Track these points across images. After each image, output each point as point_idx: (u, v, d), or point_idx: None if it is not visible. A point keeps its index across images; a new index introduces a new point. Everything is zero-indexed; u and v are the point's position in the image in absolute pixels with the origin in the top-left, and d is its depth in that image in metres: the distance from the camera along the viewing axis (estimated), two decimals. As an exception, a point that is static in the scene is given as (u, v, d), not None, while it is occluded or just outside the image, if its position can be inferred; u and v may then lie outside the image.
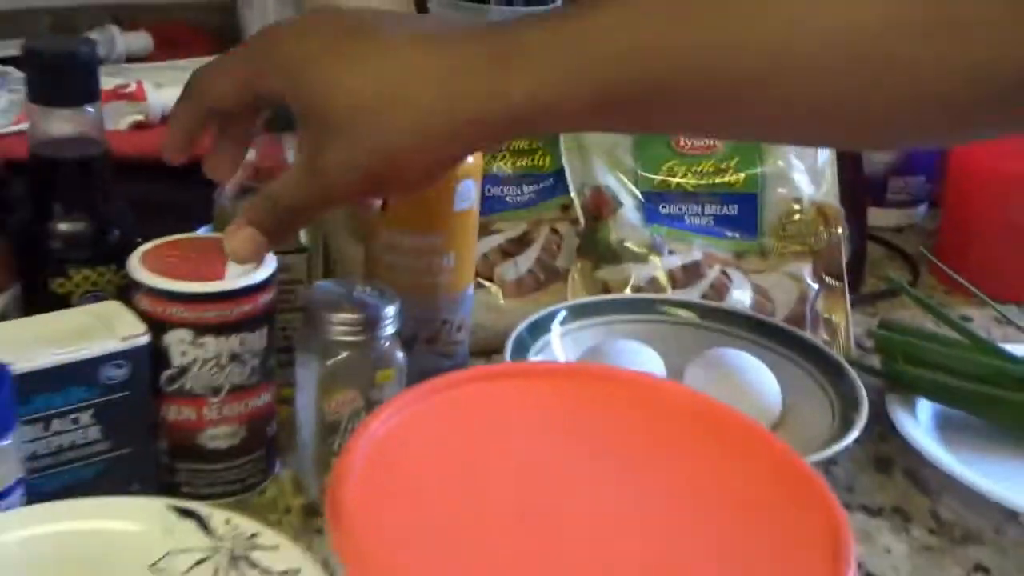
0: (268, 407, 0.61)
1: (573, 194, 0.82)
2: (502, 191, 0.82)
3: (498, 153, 0.82)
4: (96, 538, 0.50)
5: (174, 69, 0.89)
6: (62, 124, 0.59)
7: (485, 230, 0.80)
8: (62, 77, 0.58)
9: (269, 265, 0.58)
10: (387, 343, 0.60)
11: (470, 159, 0.65)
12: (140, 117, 0.81)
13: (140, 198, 0.68)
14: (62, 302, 0.60)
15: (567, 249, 0.81)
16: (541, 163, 0.84)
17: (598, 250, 0.80)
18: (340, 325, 0.58)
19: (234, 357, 0.58)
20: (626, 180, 0.82)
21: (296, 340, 0.61)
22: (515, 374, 0.50)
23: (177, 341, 0.56)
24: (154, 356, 0.57)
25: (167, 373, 0.57)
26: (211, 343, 0.57)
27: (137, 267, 0.57)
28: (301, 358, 0.60)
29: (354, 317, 0.58)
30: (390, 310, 0.59)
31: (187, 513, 0.51)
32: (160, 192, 0.73)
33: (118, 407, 0.56)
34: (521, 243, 0.81)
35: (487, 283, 0.79)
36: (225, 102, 0.54)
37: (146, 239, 0.64)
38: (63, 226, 0.60)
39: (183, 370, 0.57)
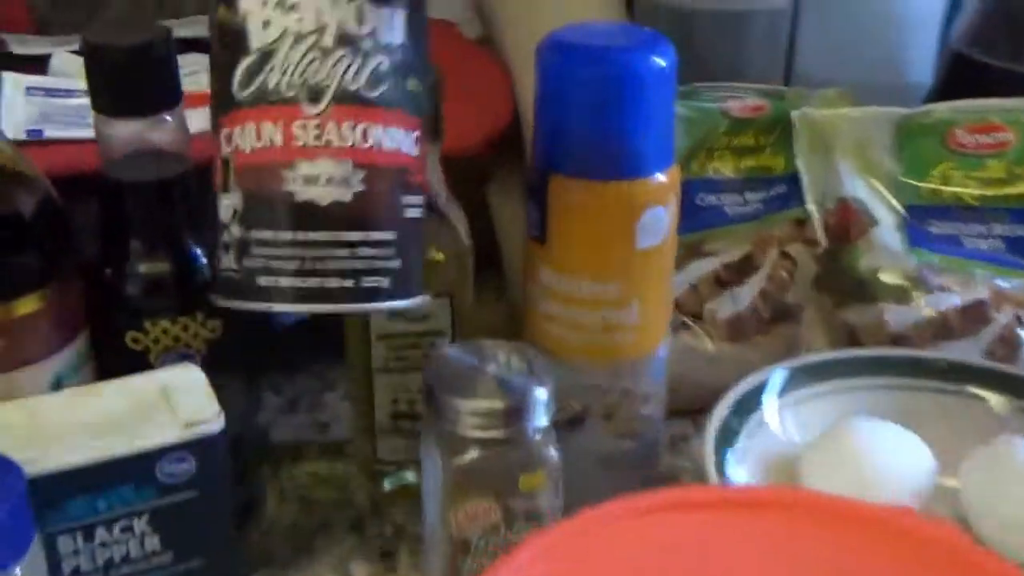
0: (404, 161, 0.40)
1: (811, 206, 0.63)
2: (719, 200, 0.64)
3: (716, 151, 0.64)
4: None
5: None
6: (133, 138, 0.46)
7: (695, 252, 0.63)
8: (130, 79, 0.45)
9: None
10: (536, 437, 0.44)
11: (661, 176, 0.48)
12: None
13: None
14: (138, 360, 0.47)
15: (801, 279, 0.63)
16: (770, 164, 0.65)
17: (843, 282, 0.61)
18: (471, 416, 0.43)
19: (347, 40, 0.38)
20: (883, 189, 0.62)
21: (422, 421, 0.46)
22: (706, 504, 0.40)
23: (256, 3, 0.38)
24: (229, 43, 0.39)
25: (244, 64, 0.38)
26: (308, 5, 0.37)
27: None
28: (425, 445, 0.45)
29: (490, 406, 0.43)
30: (541, 394, 0.43)
31: None
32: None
33: (183, 511, 0.43)
34: (741, 270, 0.63)
35: (693, 323, 0.62)
36: None
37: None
38: (137, 268, 0.47)
39: (265, 56, 0.38)
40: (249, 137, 0.38)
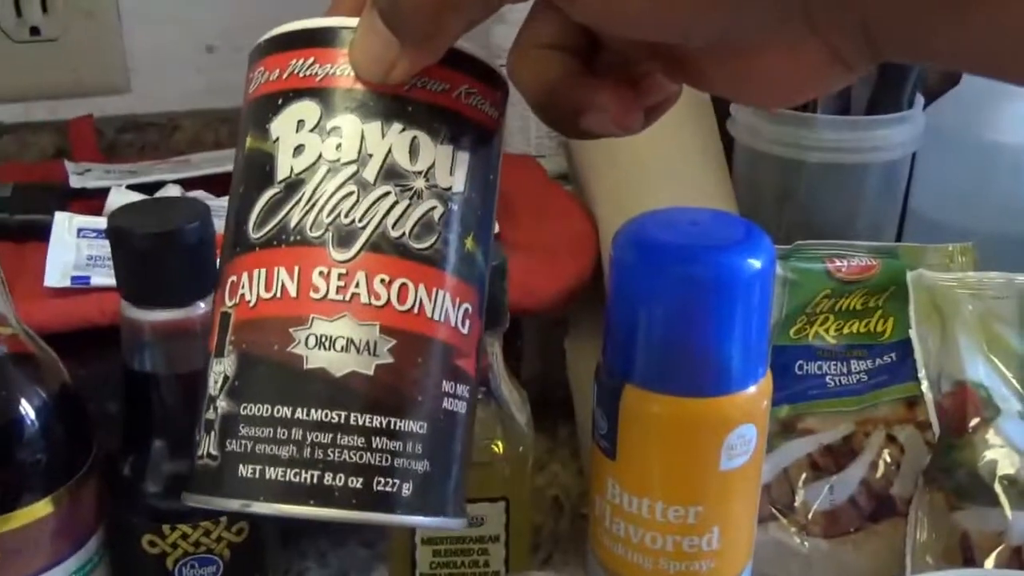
0: (453, 338, 0.31)
1: (924, 385, 0.55)
2: (820, 369, 0.57)
3: (819, 315, 0.58)
4: None
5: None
6: (161, 326, 0.41)
7: (790, 429, 0.56)
8: (158, 268, 0.40)
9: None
10: None
11: (752, 389, 0.41)
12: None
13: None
14: (155, 565, 0.42)
15: (910, 469, 0.55)
16: (879, 329, 0.58)
17: (957, 479, 0.53)
18: None
19: (394, 175, 0.30)
20: (1009, 373, 0.55)
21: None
22: None
23: (291, 125, 0.30)
24: (251, 175, 0.31)
25: (266, 196, 0.30)
26: (351, 129, 0.30)
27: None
28: None
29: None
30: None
31: None
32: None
33: None
34: (841, 453, 0.56)
35: (782, 514, 0.55)
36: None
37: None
38: (158, 466, 0.42)
39: (292, 187, 0.30)
40: (257, 286, 0.30)
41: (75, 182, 0.64)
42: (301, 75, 0.30)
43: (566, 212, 0.64)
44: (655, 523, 0.42)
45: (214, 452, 0.30)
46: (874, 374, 0.57)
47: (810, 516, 0.55)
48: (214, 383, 0.31)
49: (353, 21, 0.30)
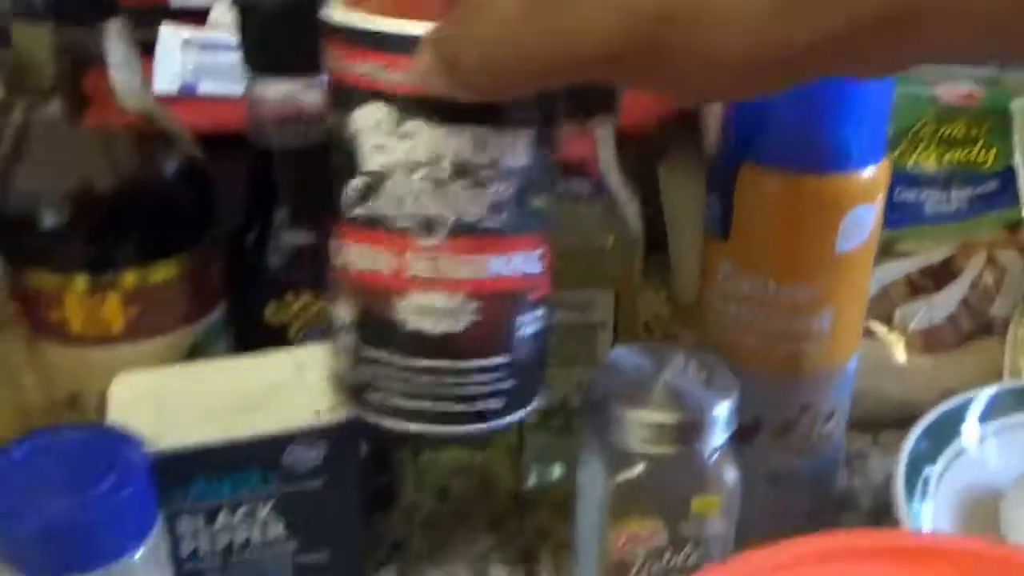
0: (523, 284, 0.35)
1: (1026, 209, 0.55)
2: (919, 196, 0.57)
3: (920, 141, 0.57)
4: None
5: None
6: (284, 100, 0.42)
7: (887, 251, 0.55)
8: (283, 35, 0.41)
9: None
10: (713, 457, 0.38)
11: (870, 171, 0.41)
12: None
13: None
14: (276, 335, 0.44)
15: (1010, 290, 0.55)
16: (981, 158, 0.58)
17: (1059, 298, 0.53)
18: (640, 428, 0.37)
19: (466, 171, 0.33)
20: (1113, 196, 0.54)
21: (580, 433, 0.41)
22: (892, 552, 0.34)
23: (370, 123, 0.33)
24: (340, 157, 0.34)
25: (352, 184, 0.34)
26: (423, 135, 0.32)
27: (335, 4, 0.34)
28: (584, 458, 0.40)
29: (663, 419, 0.37)
30: (722, 409, 0.38)
31: None
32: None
33: (309, 499, 0.39)
34: (940, 275, 0.56)
35: (881, 329, 0.55)
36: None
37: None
38: (281, 238, 0.43)
39: (377, 180, 0.33)
40: (360, 257, 0.35)
41: (176, 2, 0.65)
42: (374, 77, 0.32)
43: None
44: (768, 304, 0.42)
45: (349, 373, 0.37)
46: (974, 201, 0.57)
47: (908, 333, 0.55)
48: (340, 319, 0.36)
49: (418, 29, 0.30)
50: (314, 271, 0.43)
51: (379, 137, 0.33)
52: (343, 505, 0.40)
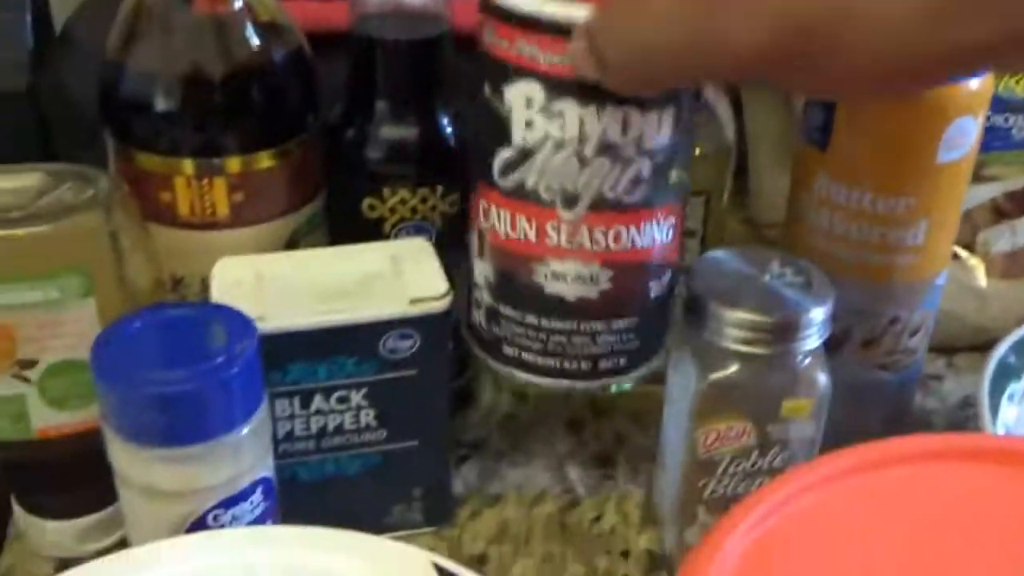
0: (655, 252, 0.37)
1: (1118, 138, 0.54)
2: (1006, 121, 0.56)
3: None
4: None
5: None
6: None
7: (973, 175, 0.54)
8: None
9: None
10: (806, 361, 0.39)
11: (975, 82, 0.41)
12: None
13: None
14: (372, 228, 0.44)
15: (1096, 218, 0.55)
16: (1071, 85, 0.57)
17: None
18: (737, 328, 0.38)
19: (609, 149, 0.35)
20: None
21: (673, 333, 0.41)
22: (976, 454, 0.35)
23: (521, 100, 0.35)
24: (492, 127, 0.36)
25: (503, 155, 0.36)
26: (572, 114, 0.34)
27: None
28: (677, 357, 0.41)
29: (760, 319, 0.37)
30: (819, 313, 0.38)
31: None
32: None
33: (401, 388, 0.40)
34: (1024, 201, 0.55)
35: (963, 253, 0.55)
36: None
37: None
38: (381, 132, 0.43)
39: (526, 153, 0.35)
40: (504, 222, 0.37)
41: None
42: (528, 56, 0.33)
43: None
44: (864, 214, 0.42)
45: (485, 327, 0.40)
46: (1063, 128, 0.56)
47: (990, 257, 0.55)
48: (479, 276, 0.39)
49: (576, 13, 0.31)
50: (412, 167, 0.44)
51: (530, 113, 0.34)
52: (433, 396, 0.41)
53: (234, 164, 0.41)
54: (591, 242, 0.36)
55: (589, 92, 0.33)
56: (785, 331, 0.37)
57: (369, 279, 0.40)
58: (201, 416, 0.33)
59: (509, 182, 0.36)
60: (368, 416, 0.41)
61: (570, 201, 0.35)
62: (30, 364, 0.38)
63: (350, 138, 0.44)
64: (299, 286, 0.40)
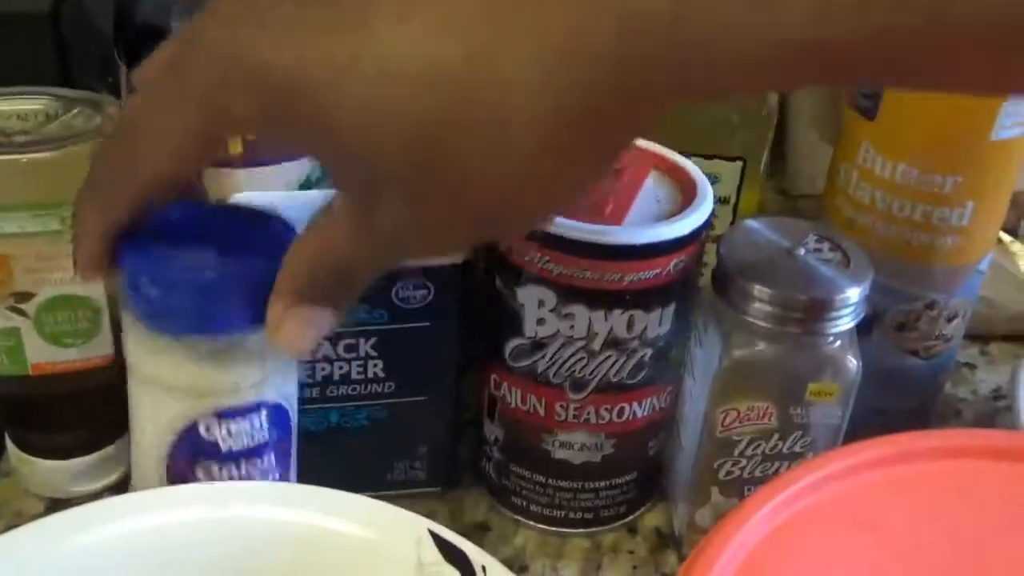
0: (655, 417, 0.40)
1: None
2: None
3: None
4: (311, 542, 0.32)
5: None
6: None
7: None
8: None
9: (700, 209, 0.36)
10: (837, 343, 0.36)
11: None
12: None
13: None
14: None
15: None
16: None
17: None
18: (765, 304, 0.35)
19: (615, 344, 0.37)
20: None
21: (699, 304, 0.39)
22: (1006, 451, 0.34)
23: (533, 301, 0.36)
24: (504, 316, 0.38)
25: (515, 343, 0.38)
26: (582, 316, 0.36)
27: None
28: (701, 330, 0.39)
29: (791, 297, 0.35)
30: (854, 293, 0.35)
31: (451, 552, 0.32)
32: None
33: (411, 340, 0.38)
34: (1074, 186, 0.53)
35: (1007, 238, 0.52)
36: (167, 175, 0.28)
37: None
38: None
39: (537, 345, 0.37)
40: (515, 397, 0.39)
41: None
42: (541, 266, 0.35)
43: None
44: (909, 190, 0.40)
45: (495, 476, 0.42)
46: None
47: (1033, 243, 0.52)
48: (490, 434, 0.41)
49: (574, 232, 0.34)
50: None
51: (542, 312, 0.36)
52: (444, 351, 0.39)
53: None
54: (596, 417, 0.39)
55: (598, 298, 0.36)
56: (817, 311, 0.35)
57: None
58: (232, 306, 0.30)
59: (521, 365, 0.38)
60: (376, 367, 0.39)
61: (578, 386, 0.38)
62: (27, 297, 0.36)
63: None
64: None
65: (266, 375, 0.33)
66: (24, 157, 0.35)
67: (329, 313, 0.30)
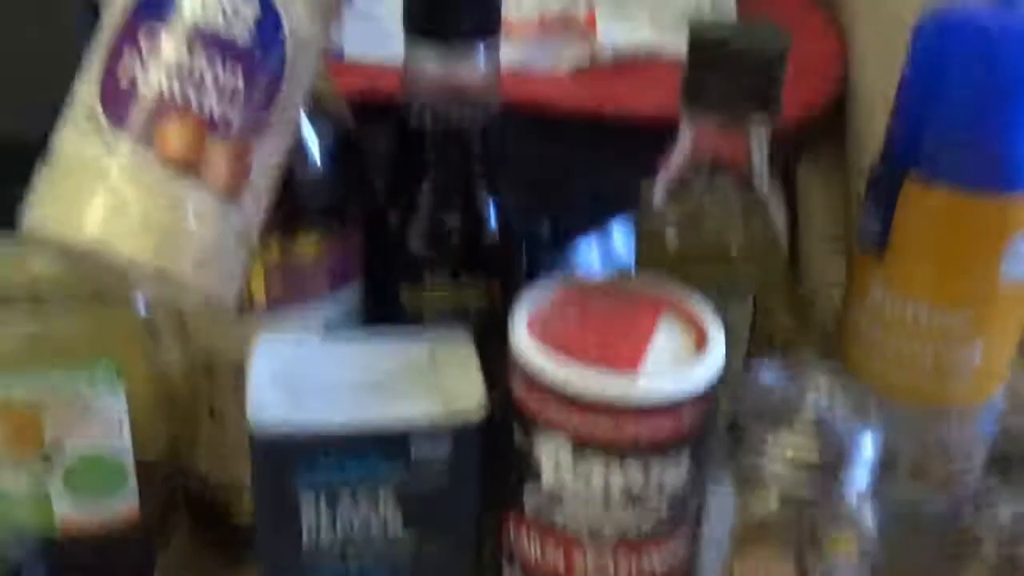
0: (672, 568, 0.39)
1: None
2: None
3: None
4: None
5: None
6: (441, 70, 0.40)
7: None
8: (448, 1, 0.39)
9: (713, 356, 0.36)
10: (854, 495, 0.36)
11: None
12: (584, 56, 0.60)
13: (549, 167, 0.50)
14: (411, 317, 0.43)
15: None
16: None
17: None
18: (780, 457, 0.36)
19: (631, 495, 0.37)
20: None
21: (714, 454, 0.39)
22: None
23: (549, 450, 0.37)
24: (521, 463, 0.38)
25: (533, 494, 0.38)
26: (599, 466, 0.36)
27: (520, 321, 0.38)
28: (716, 478, 0.39)
29: (807, 450, 0.35)
30: (868, 444, 0.36)
31: None
32: (579, 161, 0.54)
33: (431, 495, 0.38)
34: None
35: (1021, 362, 0.52)
36: None
37: (540, 240, 0.46)
38: (424, 219, 0.42)
39: (554, 496, 0.37)
40: (534, 548, 0.39)
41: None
42: (558, 418, 0.36)
43: (816, 32, 0.60)
44: (918, 329, 0.40)
45: None
46: None
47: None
48: (507, 573, 0.41)
49: (590, 383, 0.35)
50: (453, 256, 0.42)
51: (559, 464, 0.36)
52: (465, 502, 0.39)
53: (273, 249, 0.40)
54: (615, 568, 0.38)
55: (614, 450, 0.36)
56: (832, 464, 0.35)
57: (406, 373, 0.39)
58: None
59: (538, 514, 0.38)
60: (396, 518, 0.39)
61: (597, 537, 0.37)
62: (56, 454, 0.37)
63: (392, 223, 0.42)
64: (334, 377, 0.38)
65: None
66: (54, 322, 0.35)
67: None
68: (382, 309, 0.43)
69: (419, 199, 0.42)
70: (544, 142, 0.52)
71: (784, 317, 0.61)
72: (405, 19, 0.40)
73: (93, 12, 0.31)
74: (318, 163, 0.40)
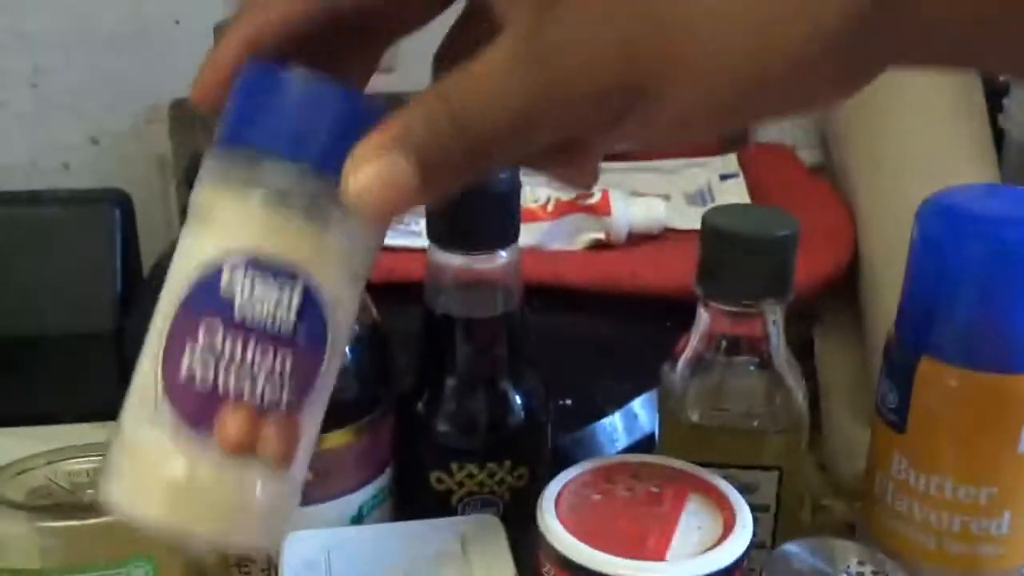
0: None
1: None
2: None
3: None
4: None
5: (657, 173, 0.70)
6: (465, 272, 0.42)
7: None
8: (469, 214, 0.42)
9: (740, 536, 0.37)
10: (887, 673, 0.36)
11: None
12: (600, 236, 0.63)
13: (573, 342, 0.51)
14: (440, 501, 0.43)
15: None
16: None
17: None
18: (812, 638, 0.36)
19: None
20: None
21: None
22: None
23: None
24: None
25: None
26: None
27: (548, 507, 0.38)
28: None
29: (837, 631, 0.35)
30: (900, 624, 0.36)
31: None
32: (602, 335, 0.56)
33: None
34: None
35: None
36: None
37: (564, 418, 0.47)
38: (451, 407, 0.43)
39: None
40: None
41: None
42: None
43: (822, 202, 0.62)
44: (943, 502, 0.40)
45: None
46: None
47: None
48: None
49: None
50: (480, 441, 0.43)
51: None
52: None
53: (304, 444, 0.41)
54: None
55: None
56: (866, 644, 0.35)
57: (438, 562, 0.39)
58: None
59: None
60: None
61: None
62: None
63: (419, 411, 0.43)
64: (367, 568, 0.39)
65: (322, 244, 0.29)
66: (90, 521, 0.36)
67: (419, 178, 0.25)
68: (412, 492, 0.44)
69: (445, 386, 0.43)
70: (566, 321, 0.54)
71: (811, 486, 0.61)
72: (428, 230, 0.42)
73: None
74: (348, 358, 0.41)
